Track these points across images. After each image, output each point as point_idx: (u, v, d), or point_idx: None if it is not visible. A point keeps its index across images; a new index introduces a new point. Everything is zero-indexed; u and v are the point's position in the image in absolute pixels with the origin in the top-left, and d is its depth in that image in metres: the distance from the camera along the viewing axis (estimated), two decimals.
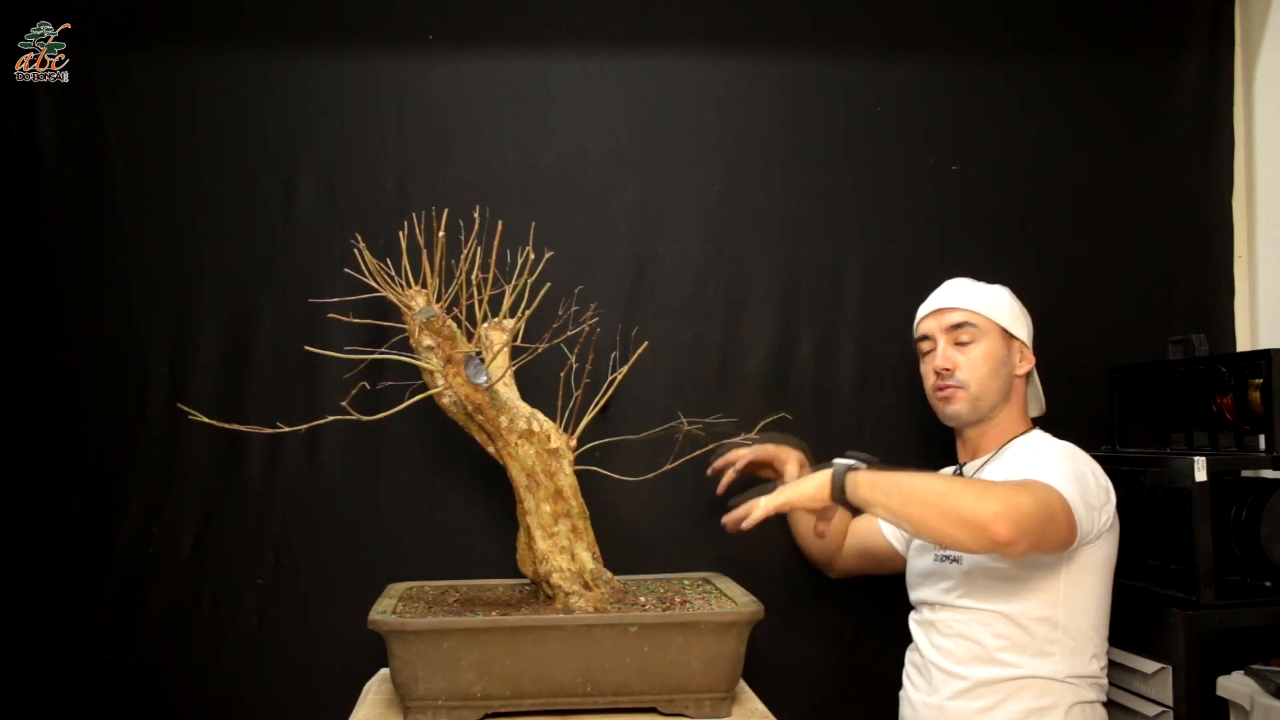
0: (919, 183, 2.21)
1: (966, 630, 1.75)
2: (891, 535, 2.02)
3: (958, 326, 1.85)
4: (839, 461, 1.68)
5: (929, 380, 1.90)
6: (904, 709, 1.89)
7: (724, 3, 2.18)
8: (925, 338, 1.91)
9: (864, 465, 1.67)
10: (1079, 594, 1.71)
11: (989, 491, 1.56)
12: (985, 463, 1.86)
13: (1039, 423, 1.92)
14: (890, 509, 1.60)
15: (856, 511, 1.74)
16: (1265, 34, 2.25)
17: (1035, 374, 1.92)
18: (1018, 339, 1.87)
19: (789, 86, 2.19)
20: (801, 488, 1.69)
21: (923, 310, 1.94)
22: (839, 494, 1.64)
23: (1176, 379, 2.08)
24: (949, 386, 1.85)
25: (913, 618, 1.91)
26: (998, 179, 2.22)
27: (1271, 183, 2.23)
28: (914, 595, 1.92)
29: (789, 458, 1.97)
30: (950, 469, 1.96)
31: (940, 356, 1.86)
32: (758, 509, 1.68)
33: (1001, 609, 1.72)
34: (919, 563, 1.90)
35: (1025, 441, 1.85)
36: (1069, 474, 1.65)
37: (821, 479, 1.67)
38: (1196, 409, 2.04)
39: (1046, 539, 1.57)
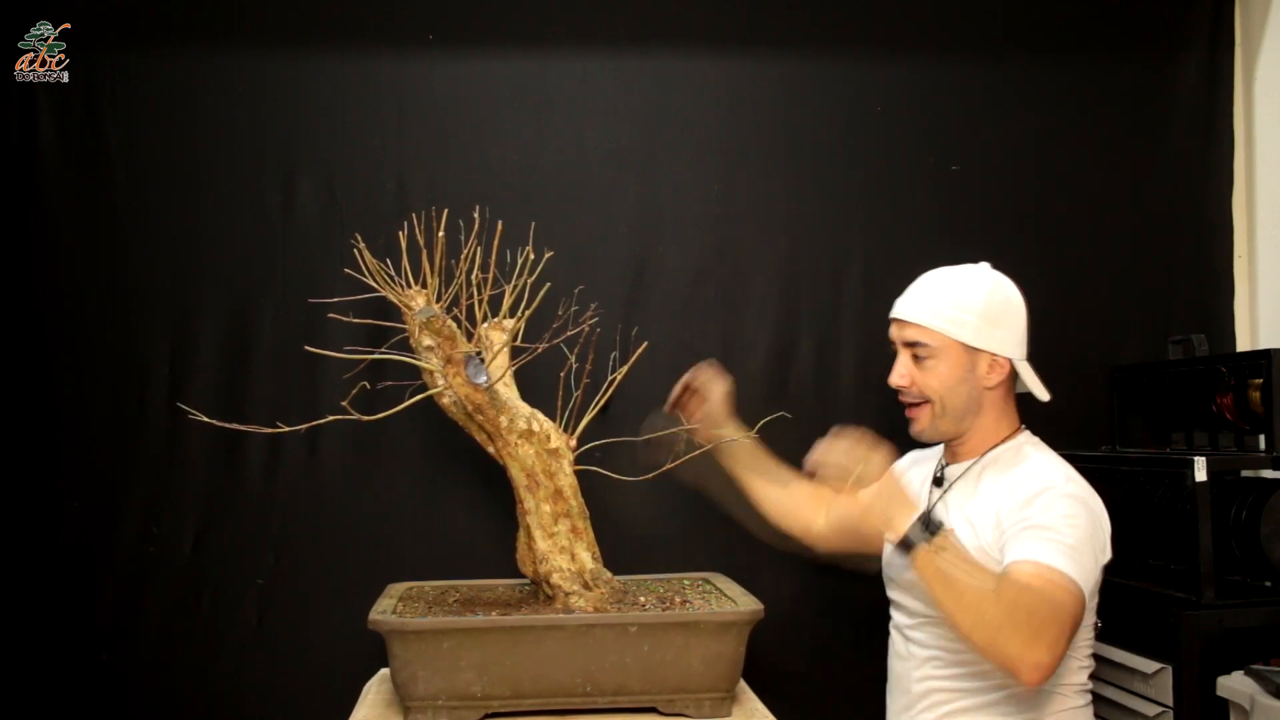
0: (919, 183, 2.21)
1: (949, 642, 1.69)
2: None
3: (912, 344, 1.73)
4: (933, 522, 1.55)
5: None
6: None
7: (724, 3, 2.18)
8: (891, 342, 1.80)
9: (944, 532, 1.55)
10: None
11: (1039, 636, 1.45)
12: (968, 468, 1.75)
13: (1029, 418, 1.79)
14: (942, 598, 1.51)
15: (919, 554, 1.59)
16: (1265, 34, 2.25)
17: (1027, 366, 1.75)
18: (985, 351, 1.70)
19: (789, 86, 2.19)
20: (880, 512, 1.58)
21: (894, 309, 1.80)
22: (907, 544, 1.54)
23: (1176, 379, 2.08)
24: (909, 405, 1.76)
25: (893, 622, 1.84)
26: (998, 179, 2.22)
27: (1271, 183, 2.23)
28: (892, 594, 1.83)
29: (714, 393, 1.90)
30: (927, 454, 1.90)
31: (894, 372, 1.76)
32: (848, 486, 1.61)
33: None
34: (899, 568, 1.79)
35: (1014, 453, 1.73)
36: (1083, 538, 1.54)
37: (904, 519, 1.55)
38: (1196, 409, 2.04)
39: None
